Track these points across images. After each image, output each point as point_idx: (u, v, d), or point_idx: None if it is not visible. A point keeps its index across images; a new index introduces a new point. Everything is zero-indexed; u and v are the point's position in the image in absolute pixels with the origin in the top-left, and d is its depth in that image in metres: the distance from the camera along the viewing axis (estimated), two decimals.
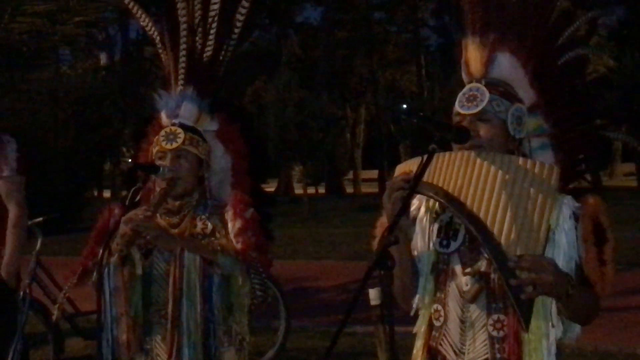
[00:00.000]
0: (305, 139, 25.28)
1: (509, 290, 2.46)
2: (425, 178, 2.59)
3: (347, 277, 11.69)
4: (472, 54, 2.79)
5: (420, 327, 2.76)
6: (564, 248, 2.56)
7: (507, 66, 2.74)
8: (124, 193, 3.66)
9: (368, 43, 37.35)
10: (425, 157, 2.58)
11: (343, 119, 35.73)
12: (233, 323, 3.54)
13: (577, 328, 2.68)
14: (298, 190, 31.54)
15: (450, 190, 2.57)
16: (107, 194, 33.51)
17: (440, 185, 2.59)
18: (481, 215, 2.52)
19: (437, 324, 2.71)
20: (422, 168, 2.57)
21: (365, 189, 36.51)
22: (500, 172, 2.54)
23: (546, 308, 2.56)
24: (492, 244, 2.48)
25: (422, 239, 2.76)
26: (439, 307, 2.70)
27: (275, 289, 7.17)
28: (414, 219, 2.78)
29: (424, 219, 2.77)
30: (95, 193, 32.06)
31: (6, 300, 5.17)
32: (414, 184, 2.57)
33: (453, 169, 2.59)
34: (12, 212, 5.08)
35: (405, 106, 34.21)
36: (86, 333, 7.52)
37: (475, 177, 2.56)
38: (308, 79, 31.80)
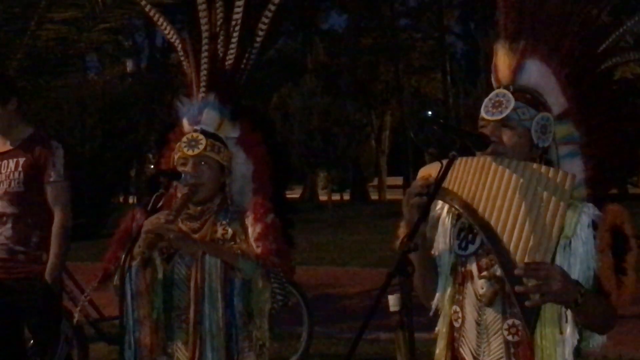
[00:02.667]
0: (331, 145, 25.32)
1: (514, 297, 2.48)
2: (444, 184, 2.60)
3: (372, 284, 11.69)
4: (502, 59, 2.78)
5: (441, 328, 2.78)
6: (580, 257, 2.55)
7: (536, 73, 2.73)
8: (146, 199, 3.69)
9: (393, 50, 37.33)
10: (444, 163, 2.60)
11: (368, 126, 35.72)
12: (253, 329, 3.56)
13: (600, 337, 2.66)
14: (323, 197, 31.55)
15: (465, 197, 2.58)
16: (132, 200, 33.71)
17: (456, 191, 2.60)
18: (492, 221, 2.53)
19: (456, 325, 2.73)
20: (442, 175, 2.59)
21: (390, 195, 36.44)
22: (513, 178, 2.55)
23: (560, 315, 2.56)
24: (501, 252, 2.50)
25: (444, 240, 2.78)
26: (458, 309, 2.72)
27: (298, 295, 7.19)
28: (438, 218, 2.81)
29: (446, 220, 2.79)
30: (121, 199, 32.24)
31: (51, 306, 5.21)
32: (434, 191, 2.58)
33: (469, 175, 2.60)
34: (58, 217, 5.14)
35: (430, 113, 34.18)
36: (110, 338, 7.57)
37: (489, 183, 2.57)
38: (333, 86, 31.84)
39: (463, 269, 2.71)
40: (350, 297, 11.30)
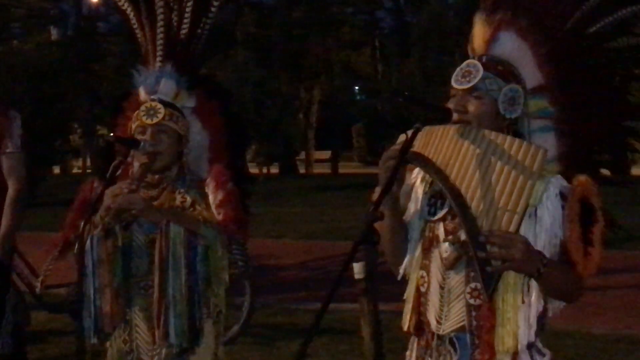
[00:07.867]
0: (263, 119, 25.24)
1: (477, 262, 2.52)
2: (418, 149, 2.64)
3: (307, 256, 11.87)
4: (477, 30, 2.84)
5: (409, 292, 2.80)
6: (545, 226, 2.60)
7: (510, 46, 2.79)
8: (102, 167, 3.68)
9: (323, 24, 37.24)
10: (410, 133, 2.63)
11: (297, 99, 35.65)
12: (211, 295, 3.60)
13: (558, 302, 2.71)
14: (252, 169, 31.44)
15: (438, 163, 2.63)
16: (57, 170, 33.15)
17: (430, 156, 2.64)
18: (462, 189, 2.58)
19: (422, 289, 2.76)
20: (406, 145, 2.63)
21: (318, 169, 36.52)
22: (487, 150, 2.59)
23: (523, 284, 2.60)
24: (468, 218, 2.54)
25: (415, 206, 2.81)
26: (424, 274, 2.75)
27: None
28: (412, 186, 2.84)
29: (419, 188, 2.83)
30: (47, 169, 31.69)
31: None
32: (398, 160, 2.61)
33: (444, 143, 2.64)
34: (12, 187, 5.04)
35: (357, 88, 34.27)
36: (50, 307, 7.52)
37: (463, 152, 2.61)
38: (265, 58, 31.70)
39: (430, 234, 2.75)
40: (286, 268, 11.39)
